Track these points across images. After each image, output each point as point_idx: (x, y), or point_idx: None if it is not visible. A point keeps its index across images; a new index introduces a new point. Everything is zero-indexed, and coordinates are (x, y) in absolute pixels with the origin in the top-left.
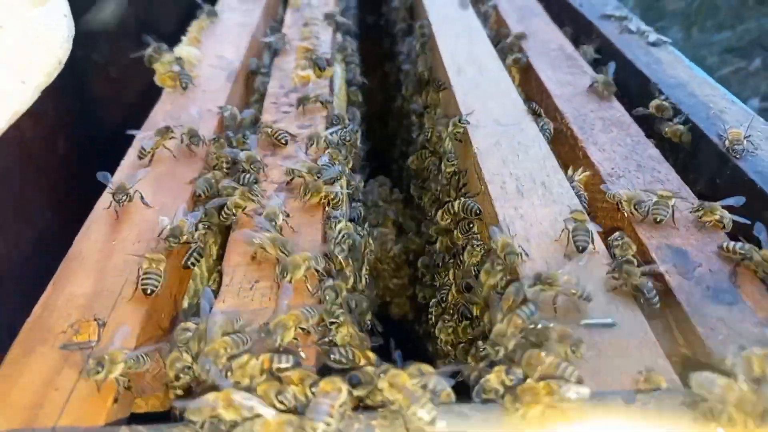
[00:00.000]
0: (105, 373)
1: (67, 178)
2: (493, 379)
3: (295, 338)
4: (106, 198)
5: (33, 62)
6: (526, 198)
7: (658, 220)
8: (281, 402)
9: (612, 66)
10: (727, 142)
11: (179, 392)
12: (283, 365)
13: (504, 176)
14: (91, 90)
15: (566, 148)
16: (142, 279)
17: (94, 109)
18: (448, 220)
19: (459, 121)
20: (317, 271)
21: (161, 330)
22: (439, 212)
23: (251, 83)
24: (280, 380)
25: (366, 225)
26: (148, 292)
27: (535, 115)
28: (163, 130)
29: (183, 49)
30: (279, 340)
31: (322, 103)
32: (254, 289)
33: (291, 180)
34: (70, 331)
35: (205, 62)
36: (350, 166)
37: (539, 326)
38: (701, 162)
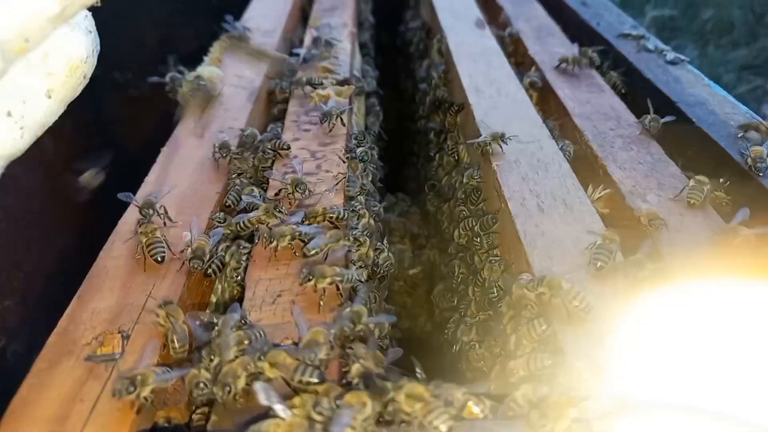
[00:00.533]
0: (137, 393)
1: (89, 199)
2: (520, 397)
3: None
4: (130, 215)
5: (58, 76)
6: (547, 215)
7: (691, 202)
8: (319, 413)
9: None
10: (749, 160)
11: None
12: (306, 378)
13: (524, 193)
14: (112, 109)
15: (586, 166)
16: (149, 251)
17: (115, 128)
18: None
19: (501, 139)
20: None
21: None
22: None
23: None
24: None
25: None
26: (159, 259)
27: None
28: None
29: (205, 69)
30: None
31: (342, 120)
32: (276, 303)
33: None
34: (95, 343)
35: (227, 82)
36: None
37: None
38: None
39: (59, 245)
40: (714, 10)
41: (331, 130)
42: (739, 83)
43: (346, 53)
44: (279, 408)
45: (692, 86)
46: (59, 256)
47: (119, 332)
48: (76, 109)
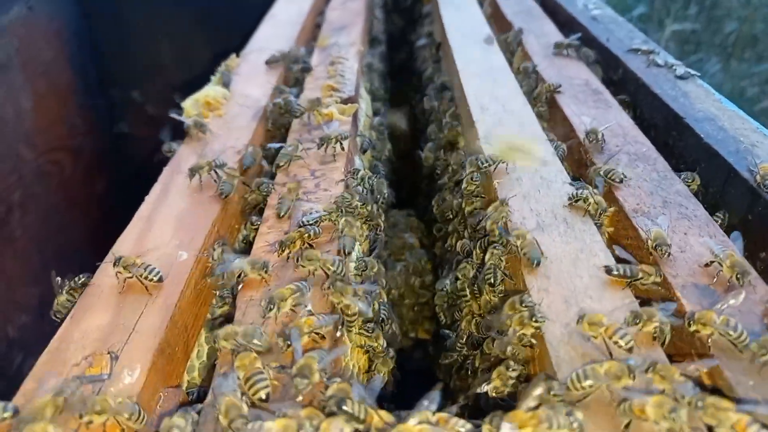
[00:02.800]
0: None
1: (105, 215)
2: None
3: None
4: (129, 234)
5: None
6: (546, 234)
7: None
8: None
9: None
10: (758, 177)
11: None
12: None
13: (524, 212)
14: (131, 128)
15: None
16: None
17: (134, 146)
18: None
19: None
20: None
21: (172, 365)
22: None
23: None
24: None
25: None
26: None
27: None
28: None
29: (212, 89)
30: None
31: (341, 145)
32: (266, 324)
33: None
34: (84, 364)
35: (233, 101)
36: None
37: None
38: (732, 198)
39: (76, 262)
40: (737, 23)
41: (334, 156)
42: (763, 96)
43: (352, 71)
44: None
45: (701, 101)
46: (75, 273)
47: (108, 353)
48: (94, 128)
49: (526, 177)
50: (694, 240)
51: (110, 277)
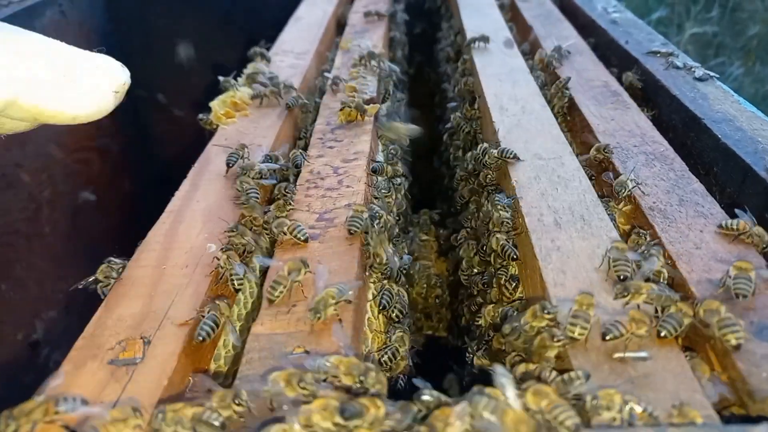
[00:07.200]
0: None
1: (130, 212)
2: None
3: None
4: (159, 228)
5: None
6: (563, 230)
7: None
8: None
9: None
10: None
11: None
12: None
13: (542, 209)
14: (155, 128)
15: (608, 183)
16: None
17: (158, 145)
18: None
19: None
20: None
21: (201, 351)
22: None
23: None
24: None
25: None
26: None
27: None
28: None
29: (238, 89)
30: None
31: None
32: (291, 312)
33: None
34: (118, 348)
35: (258, 101)
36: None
37: None
38: (749, 197)
39: (102, 259)
40: (760, 25)
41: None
42: None
43: (373, 74)
44: None
45: (720, 102)
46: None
47: (141, 338)
48: (121, 129)
49: (544, 175)
50: (710, 237)
51: (142, 268)
